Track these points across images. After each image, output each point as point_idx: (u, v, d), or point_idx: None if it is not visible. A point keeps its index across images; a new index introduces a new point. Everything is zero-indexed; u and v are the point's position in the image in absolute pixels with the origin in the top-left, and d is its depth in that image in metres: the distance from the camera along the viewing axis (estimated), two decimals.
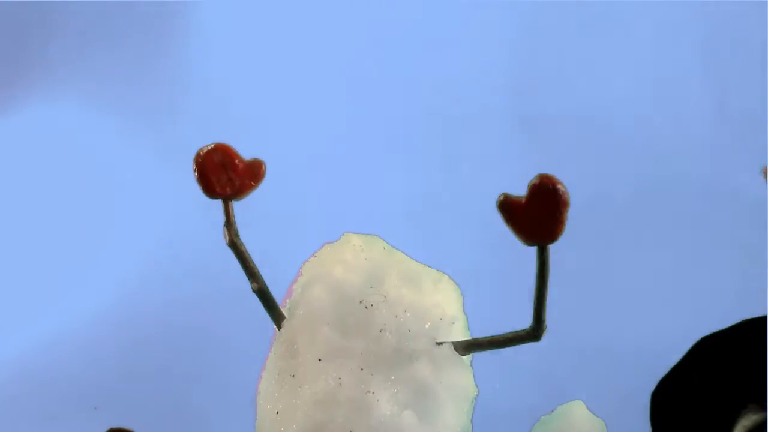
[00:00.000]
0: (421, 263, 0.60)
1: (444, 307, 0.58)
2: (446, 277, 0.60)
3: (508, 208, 0.51)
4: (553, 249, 0.52)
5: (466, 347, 0.58)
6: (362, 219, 1.15)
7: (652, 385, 0.63)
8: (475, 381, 0.58)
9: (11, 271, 1.26)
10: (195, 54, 1.33)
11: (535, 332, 0.54)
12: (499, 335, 0.56)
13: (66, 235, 1.27)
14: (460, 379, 0.57)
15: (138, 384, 1.16)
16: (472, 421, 0.57)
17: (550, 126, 1.19)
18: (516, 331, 0.55)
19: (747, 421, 0.59)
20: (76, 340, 1.20)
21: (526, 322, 0.55)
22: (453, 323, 0.58)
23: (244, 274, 0.58)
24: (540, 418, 0.61)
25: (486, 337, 0.57)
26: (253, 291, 0.58)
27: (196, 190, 0.56)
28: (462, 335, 0.59)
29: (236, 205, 0.57)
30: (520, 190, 0.51)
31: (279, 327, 0.59)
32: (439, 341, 0.57)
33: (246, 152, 0.57)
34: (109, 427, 0.58)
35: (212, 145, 0.56)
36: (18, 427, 1.15)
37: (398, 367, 0.56)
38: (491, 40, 1.27)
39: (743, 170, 0.62)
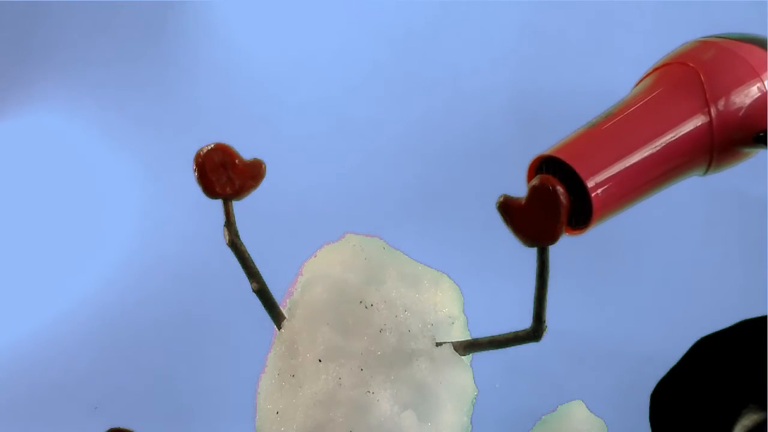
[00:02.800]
0: (421, 263, 0.60)
1: (444, 307, 0.58)
2: (446, 277, 0.60)
3: (508, 209, 0.51)
4: (553, 250, 0.52)
5: (466, 347, 0.58)
6: (362, 219, 1.15)
7: (652, 385, 0.63)
8: (475, 381, 0.58)
9: (8, 270, 1.26)
10: (192, 56, 1.33)
11: (535, 332, 0.54)
12: (499, 335, 0.56)
13: (64, 236, 1.27)
14: (460, 379, 0.57)
15: (138, 384, 1.16)
16: (472, 421, 0.57)
17: (550, 126, 1.19)
18: (516, 331, 0.55)
19: (747, 420, 0.59)
20: (76, 341, 1.20)
21: (526, 322, 0.55)
22: (453, 323, 0.58)
23: (244, 274, 0.58)
24: (540, 417, 0.61)
25: (486, 337, 0.57)
26: (253, 291, 0.58)
27: (197, 190, 0.56)
28: (462, 335, 0.59)
29: (236, 205, 0.57)
30: (520, 191, 0.51)
31: (279, 327, 0.59)
32: (438, 341, 0.57)
33: (246, 152, 0.57)
34: (109, 427, 0.58)
35: (212, 145, 0.55)
36: (18, 427, 1.15)
37: (398, 367, 0.56)
38: (492, 41, 1.27)
39: (744, 170, 0.63)
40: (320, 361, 0.56)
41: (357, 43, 1.30)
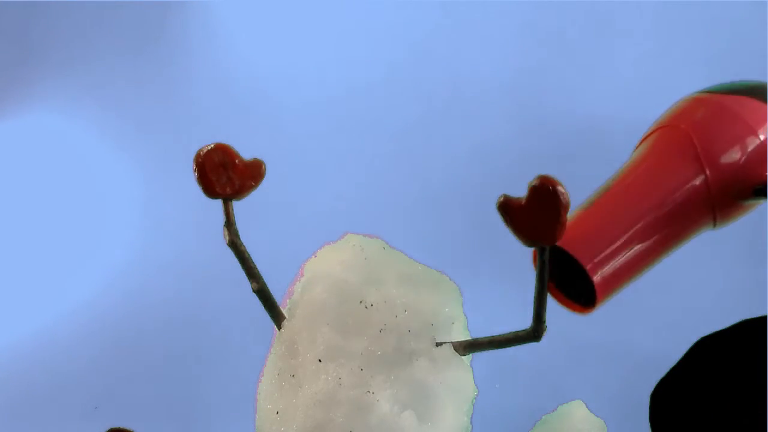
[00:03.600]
0: (421, 263, 0.60)
1: (444, 307, 0.58)
2: (446, 277, 0.60)
3: (508, 209, 0.50)
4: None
5: (466, 347, 0.57)
6: (362, 219, 1.15)
7: (652, 385, 0.63)
8: (475, 381, 0.58)
9: (9, 270, 1.26)
10: (192, 56, 1.33)
11: (535, 332, 0.54)
12: (499, 335, 0.56)
13: (64, 237, 1.27)
14: (460, 379, 0.57)
15: (138, 384, 1.16)
16: (472, 421, 0.57)
17: (550, 127, 1.19)
18: (516, 331, 0.55)
19: (747, 420, 0.59)
20: (76, 341, 1.20)
21: (526, 322, 0.55)
22: (453, 323, 0.58)
23: (244, 274, 0.58)
24: (540, 417, 0.61)
25: (486, 337, 0.57)
26: (253, 291, 0.58)
27: (197, 190, 0.56)
28: (462, 335, 0.58)
29: (236, 205, 0.57)
30: (520, 191, 0.51)
31: (279, 327, 0.59)
32: (439, 341, 0.57)
33: (246, 152, 0.57)
34: (109, 427, 0.58)
35: (212, 145, 0.55)
36: (18, 427, 1.15)
37: (398, 367, 0.56)
38: (492, 42, 1.27)
39: None
40: (320, 361, 0.56)
41: (357, 44, 1.30)
